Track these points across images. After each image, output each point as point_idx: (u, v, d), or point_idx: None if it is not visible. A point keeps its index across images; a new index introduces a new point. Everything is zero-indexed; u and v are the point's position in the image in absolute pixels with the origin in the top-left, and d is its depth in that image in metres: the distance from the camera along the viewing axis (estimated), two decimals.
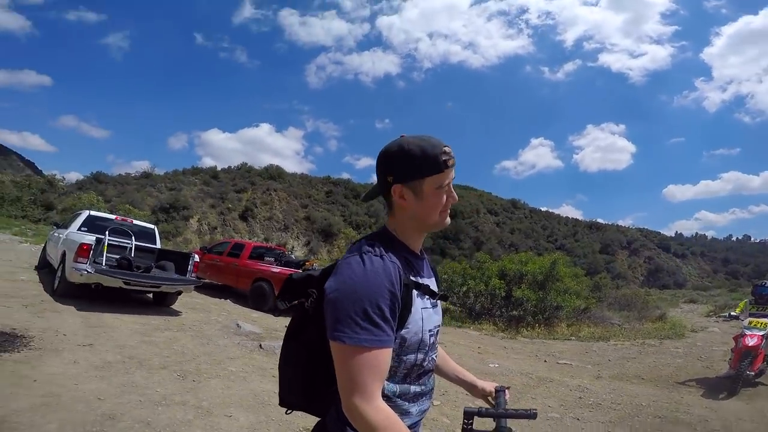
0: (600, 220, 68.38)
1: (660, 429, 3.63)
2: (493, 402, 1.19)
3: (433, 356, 1.05)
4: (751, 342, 5.16)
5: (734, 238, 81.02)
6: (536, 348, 8.07)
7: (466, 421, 1.10)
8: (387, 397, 0.92)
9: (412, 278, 0.95)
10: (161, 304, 6.87)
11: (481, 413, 1.08)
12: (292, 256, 11.86)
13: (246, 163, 51.89)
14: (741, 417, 3.92)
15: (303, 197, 47.96)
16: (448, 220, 1.02)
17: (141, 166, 47.65)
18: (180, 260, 6.93)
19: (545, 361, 6.88)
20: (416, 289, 0.95)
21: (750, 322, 5.47)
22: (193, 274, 6.76)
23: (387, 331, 0.84)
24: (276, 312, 8.23)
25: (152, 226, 8.21)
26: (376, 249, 0.92)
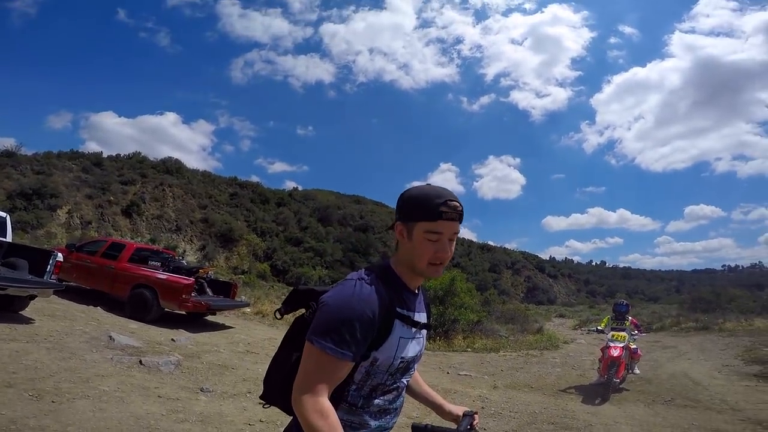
0: (491, 242, 75.35)
1: None
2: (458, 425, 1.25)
3: (404, 380, 1.15)
4: (615, 353, 5.96)
5: (594, 263, 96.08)
6: (439, 360, 8.34)
7: None
8: (352, 406, 1.06)
9: (397, 309, 1.06)
10: (5, 309, 5.49)
11: (427, 429, 1.17)
12: (183, 261, 10.51)
13: (139, 153, 46.00)
14: (617, 420, 4.44)
15: (202, 197, 43.96)
16: (438, 272, 1.08)
17: (4, 143, 38.63)
18: (38, 258, 5.67)
19: (448, 372, 7.11)
20: (399, 319, 1.05)
21: (613, 336, 6.30)
22: (53, 276, 5.60)
23: (352, 348, 0.97)
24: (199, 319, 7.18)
25: (3, 214, 6.64)
26: (370, 278, 1.04)
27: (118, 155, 44.83)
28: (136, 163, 43.18)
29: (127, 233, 32.90)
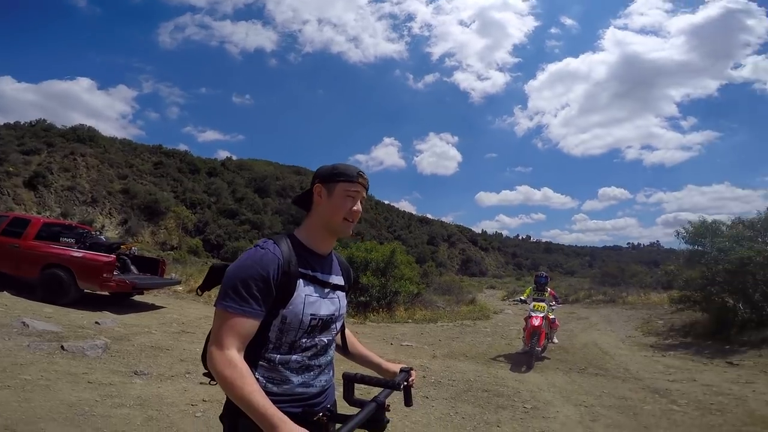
0: (429, 215, 78.26)
1: (489, 401, 4.28)
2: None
3: (324, 338, 1.23)
4: (536, 322, 6.29)
5: (520, 237, 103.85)
6: (383, 332, 8.64)
7: (346, 384, 1.25)
8: (271, 362, 1.14)
9: (301, 270, 1.16)
10: None
11: (356, 378, 1.24)
12: (102, 237, 9.55)
13: (44, 120, 40.37)
14: (541, 387, 4.92)
15: (122, 166, 39.96)
16: (349, 229, 1.24)
17: None
18: None
19: (391, 343, 7.42)
20: (303, 279, 1.16)
21: (534, 306, 6.67)
22: None
23: (251, 304, 1.07)
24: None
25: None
26: (266, 244, 1.16)
27: (17, 123, 39.07)
28: (41, 131, 38.13)
29: (33, 207, 29.14)
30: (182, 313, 8.22)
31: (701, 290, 8.67)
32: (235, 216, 43.48)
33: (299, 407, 1.16)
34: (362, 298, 11.12)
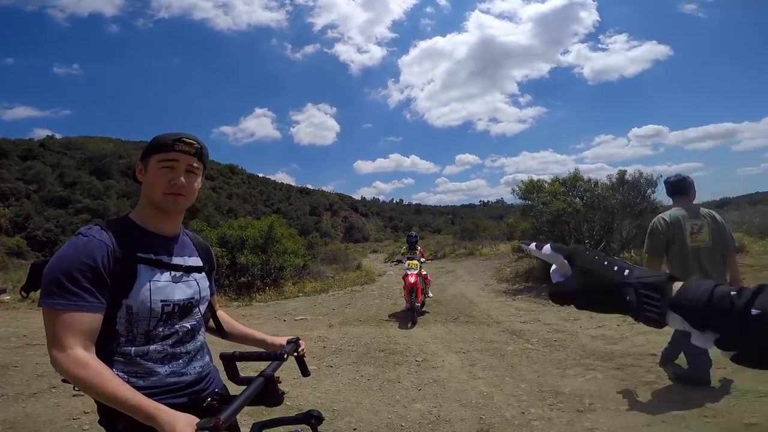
0: (309, 186, 77.21)
1: (387, 360, 4.78)
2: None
3: (186, 324, 1.17)
4: (412, 279, 6.77)
5: (395, 201, 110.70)
6: (273, 310, 8.56)
7: (225, 365, 1.20)
8: (128, 356, 1.06)
9: (140, 255, 1.08)
10: None
11: (235, 357, 1.20)
12: None
13: None
14: (426, 340, 5.60)
15: None
16: (177, 202, 1.13)
17: None
18: None
19: (284, 320, 7.46)
20: (144, 264, 1.08)
21: (408, 264, 7.13)
22: None
23: (85, 298, 0.98)
24: None
25: None
26: (90, 231, 1.07)
27: None
28: None
29: None
30: (19, 325, 6.96)
31: (533, 239, 10.67)
32: (68, 204, 36.09)
33: (181, 397, 1.12)
34: (243, 279, 10.62)
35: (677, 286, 0.48)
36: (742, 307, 0.42)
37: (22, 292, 1.16)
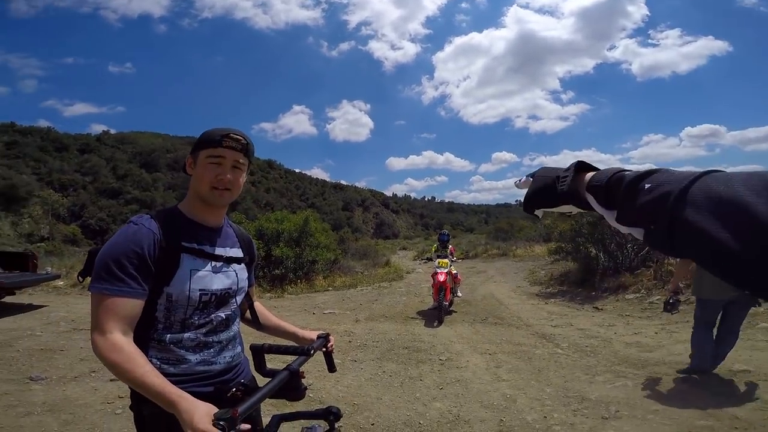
0: (343, 182, 78.46)
1: (410, 357, 4.80)
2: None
3: (222, 313, 1.20)
4: (441, 278, 6.69)
5: (426, 199, 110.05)
6: (303, 303, 8.78)
7: (254, 356, 1.23)
8: (162, 342, 1.11)
9: (184, 244, 1.13)
10: None
11: (264, 349, 1.23)
12: None
13: None
14: (451, 340, 5.57)
15: None
16: (223, 197, 1.16)
17: None
18: None
19: (314, 313, 7.63)
20: (188, 253, 1.13)
21: (438, 263, 7.07)
22: None
23: (130, 284, 1.03)
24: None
25: None
26: (140, 219, 1.12)
27: None
28: None
29: None
30: (69, 309, 7.45)
31: (571, 241, 10.03)
32: (119, 195, 38.49)
33: (208, 386, 1.13)
34: (277, 272, 10.95)
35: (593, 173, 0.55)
36: (632, 179, 0.45)
37: (79, 278, 1.23)
